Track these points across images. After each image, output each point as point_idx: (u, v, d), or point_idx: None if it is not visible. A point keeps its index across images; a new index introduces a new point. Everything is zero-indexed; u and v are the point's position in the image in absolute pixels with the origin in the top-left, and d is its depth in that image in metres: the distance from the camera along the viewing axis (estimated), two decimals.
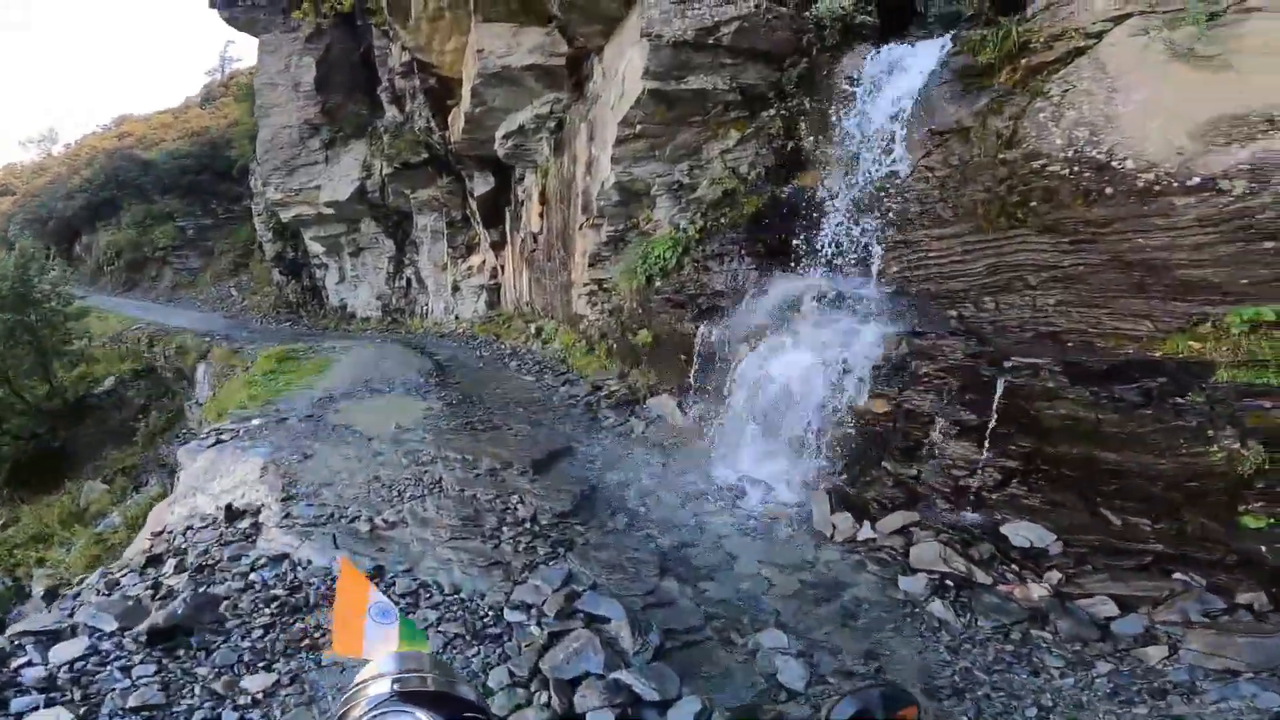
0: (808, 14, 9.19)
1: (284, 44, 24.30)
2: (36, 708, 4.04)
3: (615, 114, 10.69)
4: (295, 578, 5.60)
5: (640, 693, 4.18)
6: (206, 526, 6.71)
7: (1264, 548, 4.97)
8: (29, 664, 4.48)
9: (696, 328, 9.40)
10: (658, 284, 10.36)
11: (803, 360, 7.65)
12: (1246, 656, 4.53)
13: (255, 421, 10.19)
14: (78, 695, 4.22)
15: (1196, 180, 5.77)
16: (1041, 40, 6.91)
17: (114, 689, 4.25)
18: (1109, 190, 6.20)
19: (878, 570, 6.04)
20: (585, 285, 13.25)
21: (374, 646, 1.79)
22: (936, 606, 5.46)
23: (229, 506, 6.90)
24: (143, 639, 4.71)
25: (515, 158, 16.98)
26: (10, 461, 21.06)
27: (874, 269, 8.26)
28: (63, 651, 4.61)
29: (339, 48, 24.13)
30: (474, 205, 21.07)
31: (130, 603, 5.20)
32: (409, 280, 25.53)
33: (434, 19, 15.55)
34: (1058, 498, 5.92)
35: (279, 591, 5.38)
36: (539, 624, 4.98)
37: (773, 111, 9.67)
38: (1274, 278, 5.51)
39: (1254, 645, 4.58)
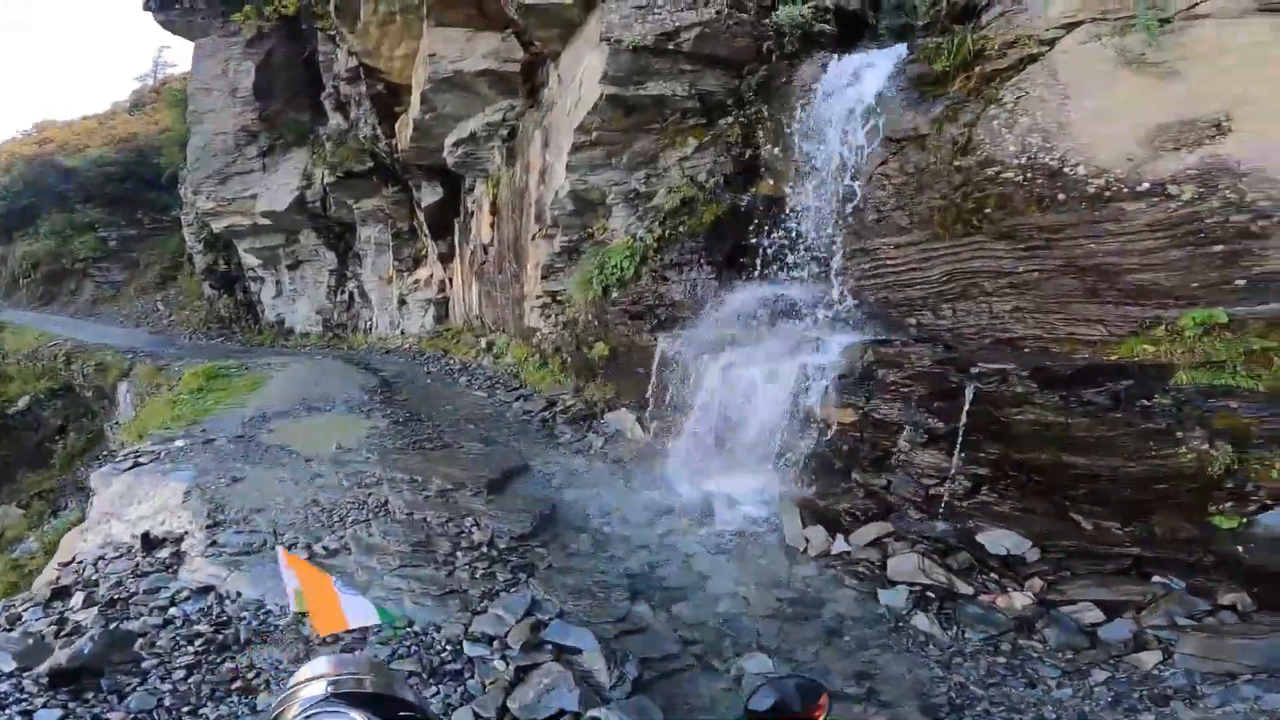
0: (768, 21, 9.34)
1: (222, 48, 23.75)
2: None
3: (571, 120, 10.65)
4: (222, 612, 5.20)
5: None
6: (121, 556, 6.26)
7: (1240, 548, 5.10)
8: None
9: (655, 339, 9.35)
10: (614, 295, 10.29)
11: (766, 371, 7.66)
12: (1243, 658, 4.59)
13: (178, 443, 9.74)
14: None
15: (1146, 186, 6.01)
16: (995, 47, 7.13)
17: None
18: (1061, 196, 6.40)
19: (856, 584, 5.98)
20: (538, 298, 13.09)
21: (356, 615, 1.77)
22: (921, 620, 5.43)
23: (146, 535, 6.44)
24: (44, 680, 4.29)
25: (465, 167, 16.79)
26: None
27: (833, 278, 8.36)
28: None
29: (281, 53, 23.67)
30: (421, 216, 20.80)
31: (31, 640, 4.78)
32: (352, 294, 24.93)
33: (384, 23, 15.42)
34: (1028, 504, 6.00)
35: (203, 628, 4.97)
36: (503, 658, 4.71)
37: (731, 119, 9.76)
38: (1223, 281, 5.75)
39: (1248, 647, 4.65)
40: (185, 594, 5.43)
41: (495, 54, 13.57)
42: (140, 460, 8.98)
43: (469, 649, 4.79)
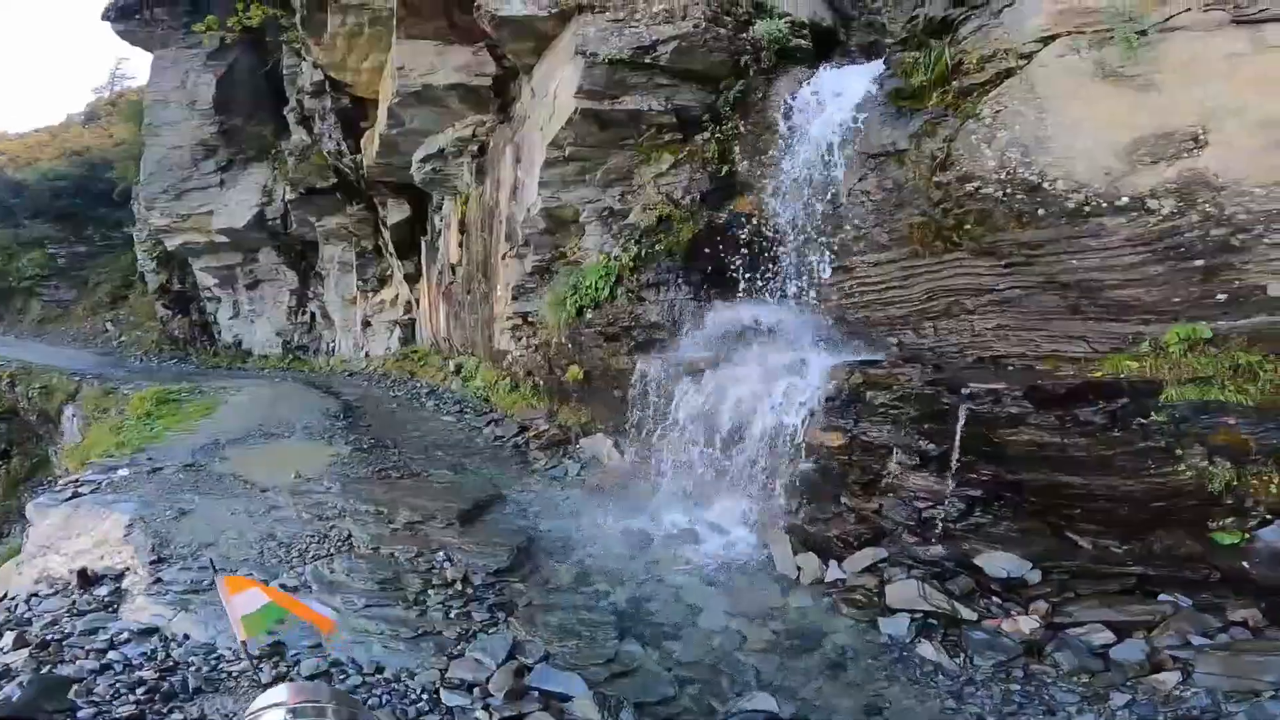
0: (745, 36, 9.41)
1: (182, 59, 23.60)
2: None
3: (544, 135, 10.60)
4: (168, 657, 4.89)
5: None
6: (56, 593, 5.94)
7: (1246, 564, 5.13)
8: None
9: (633, 362, 9.22)
10: (589, 316, 10.18)
11: (749, 394, 7.59)
12: (1264, 675, 4.58)
13: (122, 472, 9.40)
14: None
15: (1125, 200, 6.10)
16: (973, 62, 7.24)
17: None
18: (1041, 212, 6.48)
19: (854, 613, 5.88)
20: (509, 319, 12.92)
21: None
22: (926, 649, 5.34)
23: (84, 571, 6.13)
24: None
25: (433, 184, 16.64)
26: None
27: (813, 297, 8.37)
28: None
29: (243, 65, 23.56)
30: (387, 235, 20.60)
31: None
32: (313, 315, 24.54)
33: (352, 35, 15.39)
34: (1024, 525, 5.98)
35: (147, 674, 4.64)
36: (485, 707, 4.51)
37: (708, 135, 9.75)
38: (1204, 296, 5.85)
39: (1269, 663, 4.65)
40: (126, 636, 5.12)
41: (466, 68, 13.51)
42: (80, 490, 8.63)
43: (447, 698, 4.57)
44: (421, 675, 4.77)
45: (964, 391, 6.06)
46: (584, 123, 9.90)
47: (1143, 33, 6.11)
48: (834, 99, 8.24)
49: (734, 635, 5.64)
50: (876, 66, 8.24)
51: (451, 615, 5.63)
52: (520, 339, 12.84)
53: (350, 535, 7.04)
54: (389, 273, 21.94)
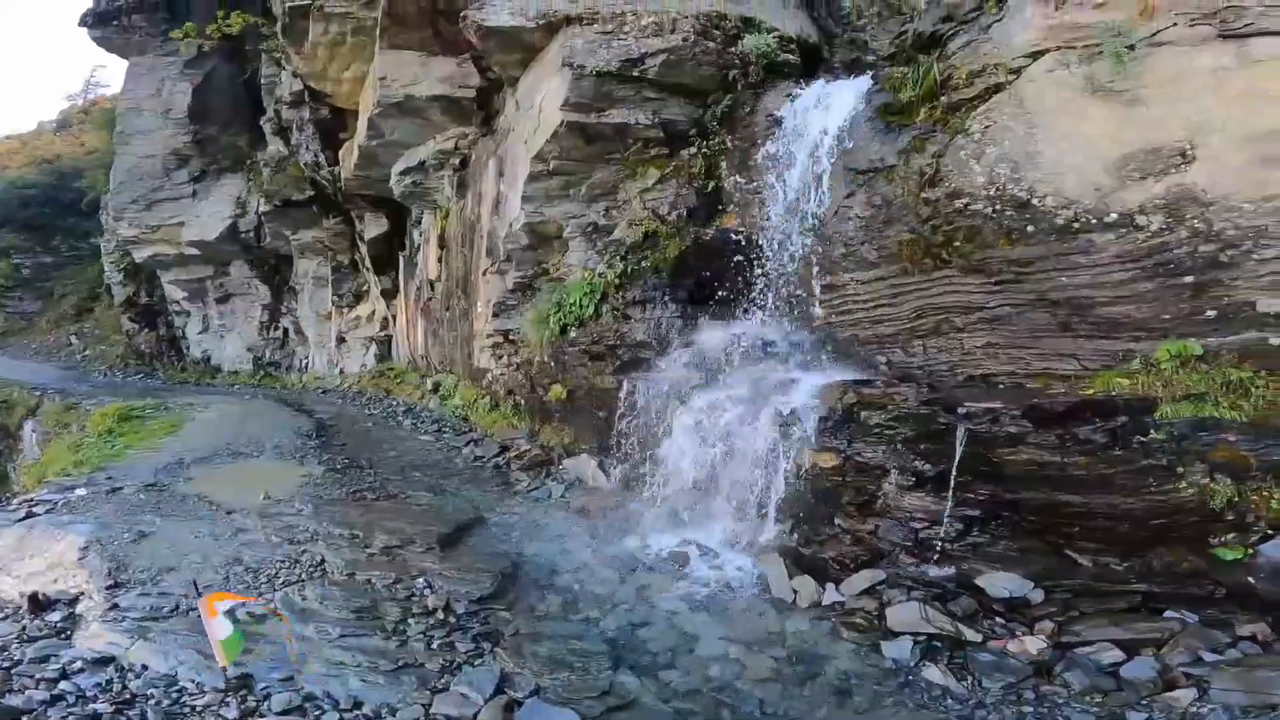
0: (733, 50, 9.49)
1: (159, 67, 23.61)
2: None
3: (529, 148, 10.61)
4: (125, 688, 4.73)
5: None
6: (6, 618, 5.78)
7: (1251, 579, 5.15)
8: None
9: (618, 381, 9.14)
10: (573, 334, 10.12)
11: (739, 414, 7.53)
12: (1278, 689, 4.59)
13: (79, 491, 9.21)
14: None
15: (1114, 216, 6.18)
16: (962, 77, 7.32)
17: None
18: (1031, 228, 6.54)
19: (855, 637, 5.78)
20: (489, 336, 12.84)
21: None
22: (933, 672, 5.26)
23: (35, 595, 5.97)
24: None
25: (413, 197, 16.59)
26: None
27: (802, 315, 8.37)
28: None
29: (221, 74, 23.59)
30: (364, 249, 20.49)
31: None
32: (286, 331, 24.30)
33: (334, 44, 15.37)
34: (1023, 544, 5.98)
35: (102, 706, 4.49)
36: None
37: (694, 149, 9.82)
38: (1194, 312, 5.91)
39: None
40: (79, 665, 4.96)
41: (450, 79, 13.55)
42: (34, 510, 8.41)
43: None
44: (404, 711, 4.62)
45: (962, 411, 6.06)
46: (569, 136, 9.92)
47: (1131, 47, 6.21)
48: (822, 114, 8.31)
49: (733, 663, 5.51)
50: (865, 82, 8.33)
51: (434, 646, 5.46)
52: (501, 357, 12.75)
53: (323, 560, 6.86)
54: (365, 288, 21.80)
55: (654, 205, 9.88)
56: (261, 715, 4.42)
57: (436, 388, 16.22)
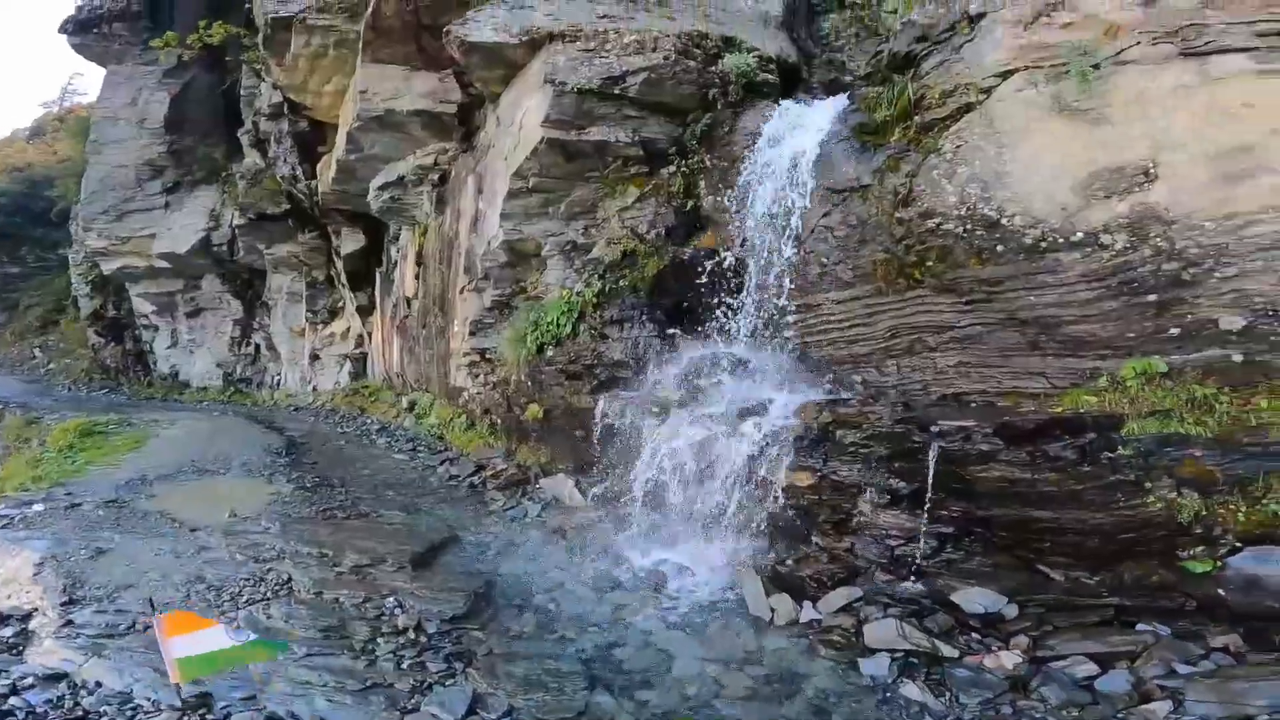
0: (714, 69, 9.71)
1: (137, 76, 23.70)
2: None
3: (509, 165, 10.76)
4: (77, 705, 4.69)
5: None
6: None
7: (1221, 591, 5.27)
8: None
9: (595, 401, 9.21)
10: (550, 354, 10.18)
11: (716, 433, 7.61)
12: (1256, 700, 4.66)
13: (36, 507, 9.16)
14: None
15: (1080, 235, 6.37)
16: (935, 96, 7.52)
17: None
18: (1000, 248, 6.73)
19: (833, 655, 5.82)
20: (466, 355, 12.89)
21: None
22: (910, 689, 5.30)
23: None
24: None
25: (391, 213, 16.67)
26: None
27: (778, 334, 8.48)
28: None
29: (200, 84, 23.77)
30: (340, 265, 20.49)
31: None
32: (258, 346, 24.19)
33: (315, 56, 15.55)
34: (996, 559, 6.10)
35: None
36: None
37: (674, 168, 9.98)
38: (1158, 330, 6.10)
39: (1258, 688, 4.73)
40: (31, 681, 4.91)
41: (432, 94, 13.74)
42: None
43: None
44: None
45: (935, 430, 6.17)
46: (550, 153, 10.06)
47: (1096, 66, 6.42)
48: (799, 134, 8.50)
49: (710, 682, 5.53)
50: (841, 101, 8.54)
51: (404, 666, 5.43)
52: (478, 376, 12.78)
53: (290, 579, 6.82)
54: (340, 304, 21.77)
55: (633, 224, 10.02)
56: None
57: (412, 406, 16.22)
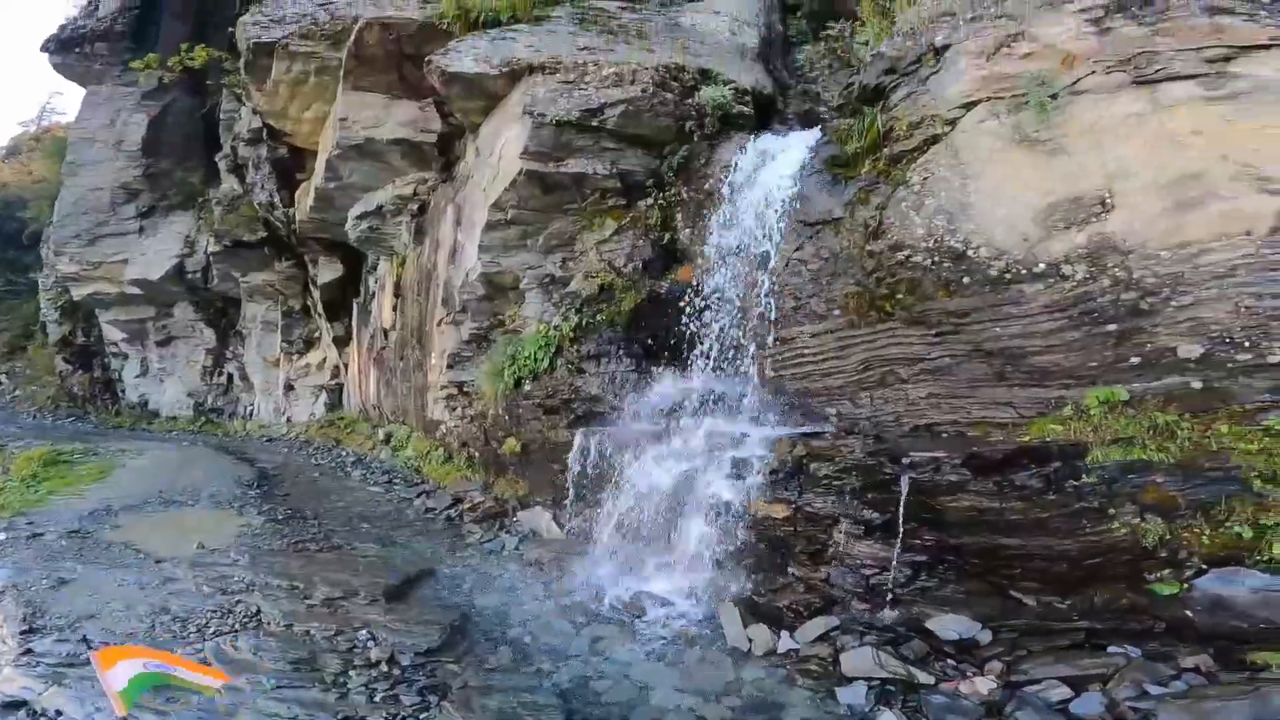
0: (690, 101, 10.00)
1: (116, 97, 23.74)
2: None
3: (487, 196, 10.95)
4: None
5: None
6: None
7: (1189, 612, 5.44)
8: None
9: (573, 435, 9.32)
10: (527, 388, 10.29)
11: (691, 467, 7.80)
12: (1229, 719, 4.78)
13: None
14: None
15: (1042, 266, 6.59)
16: (903, 128, 7.72)
17: None
18: (966, 280, 6.94)
19: (810, 684, 5.92)
20: (443, 388, 12.99)
21: None
22: (888, 717, 5.39)
23: None
24: None
25: (369, 242, 16.79)
26: None
27: (753, 368, 8.64)
28: None
29: (179, 107, 23.84)
30: (316, 295, 20.54)
31: None
32: (231, 376, 24.13)
33: (296, 82, 15.66)
34: (969, 586, 6.26)
35: None
36: None
37: (651, 201, 10.20)
38: (1119, 359, 6.30)
39: (1231, 708, 4.82)
40: None
41: (412, 123, 13.93)
42: None
43: None
44: None
45: (906, 461, 6.36)
46: (528, 185, 10.26)
47: (1054, 96, 6.63)
48: (773, 166, 8.75)
49: (688, 714, 5.58)
50: (814, 134, 8.77)
51: (377, 699, 5.43)
52: (455, 409, 12.86)
53: (259, 611, 6.82)
54: (317, 335, 21.79)
55: (610, 257, 10.20)
56: None
57: (388, 438, 16.25)
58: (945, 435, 7.12)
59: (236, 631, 6.38)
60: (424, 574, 8.26)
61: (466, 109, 11.87)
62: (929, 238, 7.09)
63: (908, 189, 7.34)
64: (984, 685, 5.53)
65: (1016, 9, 7.26)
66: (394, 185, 15.07)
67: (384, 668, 5.86)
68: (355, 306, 19.35)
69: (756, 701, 5.74)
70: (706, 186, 9.50)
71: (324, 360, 21.51)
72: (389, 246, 16.35)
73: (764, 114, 10.38)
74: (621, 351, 9.63)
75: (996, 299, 6.75)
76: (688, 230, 9.76)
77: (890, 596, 6.37)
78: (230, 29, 17.33)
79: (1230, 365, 5.87)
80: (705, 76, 10.19)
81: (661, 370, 9.30)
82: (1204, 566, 5.42)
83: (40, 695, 5.14)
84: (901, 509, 6.22)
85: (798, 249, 8.22)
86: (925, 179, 7.25)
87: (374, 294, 17.90)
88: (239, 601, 7.01)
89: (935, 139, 7.35)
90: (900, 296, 7.32)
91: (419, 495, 12.18)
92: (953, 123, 7.27)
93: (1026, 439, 6.37)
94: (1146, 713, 4.97)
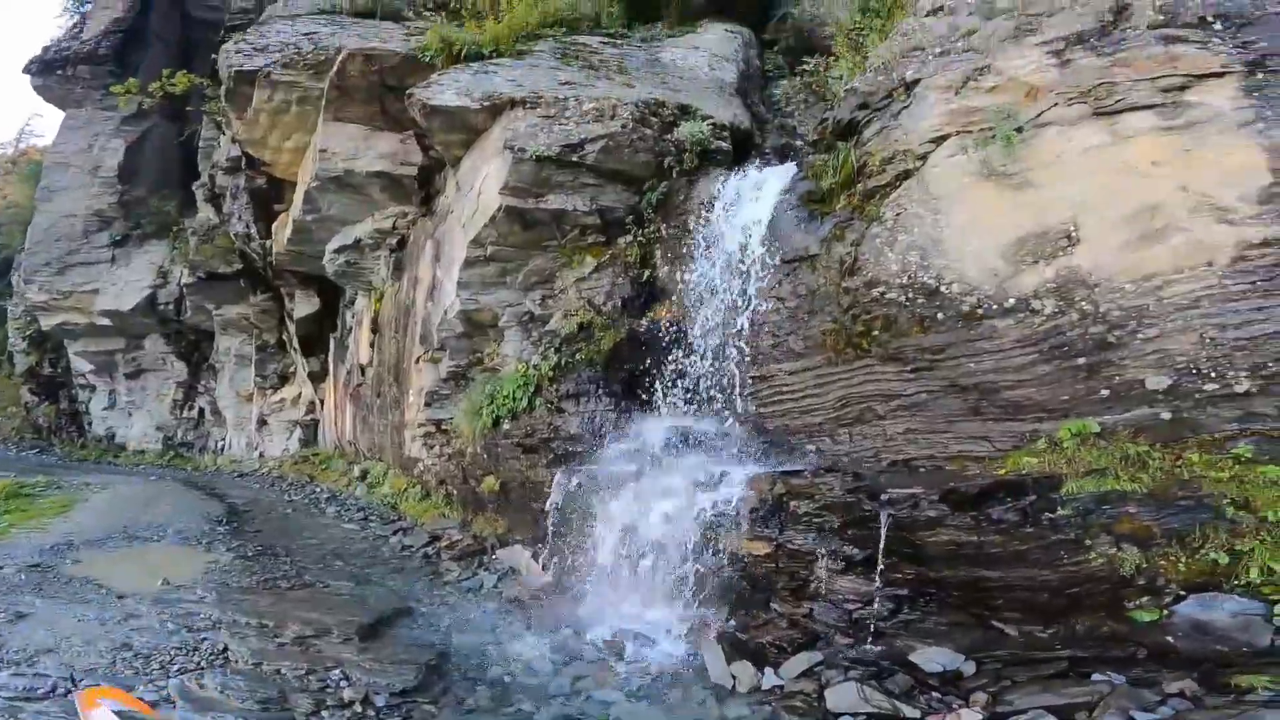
0: (669, 137, 10.19)
1: (95, 121, 23.85)
2: None
3: (467, 232, 11.06)
4: None
5: None
6: None
7: (1170, 638, 5.54)
8: None
9: (553, 474, 9.39)
10: (506, 427, 10.33)
11: (672, 505, 7.87)
12: None
13: None
14: None
15: (1012, 301, 6.74)
16: (875, 164, 7.87)
17: None
18: (940, 316, 7.08)
19: None
20: (421, 426, 12.99)
21: None
22: None
23: None
24: None
25: (347, 277, 16.86)
26: None
27: (732, 406, 8.74)
28: None
29: (158, 133, 24.01)
30: (292, 329, 20.54)
31: None
32: (202, 411, 24.02)
33: (277, 112, 15.74)
34: (951, 618, 6.36)
35: None
36: None
37: (630, 238, 10.30)
38: (1089, 392, 6.46)
39: None
40: None
41: (393, 156, 14.05)
42: None
43: None
44: None
45: (884, 498, 6.49)
46: (507, 221, 10.35)
47: (1020, 130, 6.79)
48: (750, 203, 8.91)
49: None
50: (790, 169, 8.94)
51: None
52: (433, 447, 12.87)
53: (226, 648, 6.72)
54: (292, 369, 21.75)
55: (589, 295, 10.29)
56: None
57: (364, 475, 16.21)
58: (923, 470, 7.24)
59: (202, 669, 6.29)
60: (400, 612, 8.21)
61: (447, 142, 11.98)
62: (903, 274, 7.21)
63: (881, 225, 7.47)
64: (970, 717, 5.56)
65: (982, 43, 7.50)
66: (373, 219, 15.14)
67: (358, 708, 5.80)
68: (332, 342, 19.35)
69: None
70: (685, 223, 9.64)
71: (299, 395, 21.45)
72: (367, 281, 16.39)
73: (742, 149, 10.57)
74: (601, 391, 9.70)
75: (970, 334, 6.88)
76: (667, 268, 9.87)
77: (873, 630, 6.45)
78: (214, 56, 17.38)
79: (1198, 395, 6.02)
80: (684, 112, 10.38)
81: (641, 409, 9.40)
82: (1182, 593, 5.54)
83: None
84: (881, 545, 6.33)
85: (775, 286, 8.33)
86: (898, 214, 7.38)
87: (351, 329, 17.91)
88: (205, 639, 6.92)
89: (907, 174, 7.49)
90: (876, 333, 7.44)
91: (395, 532, 12.13)
92: (924, 157, 7.41)
93: (1003, 472, 6.50)
94: None
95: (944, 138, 7.33)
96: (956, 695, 5.84)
